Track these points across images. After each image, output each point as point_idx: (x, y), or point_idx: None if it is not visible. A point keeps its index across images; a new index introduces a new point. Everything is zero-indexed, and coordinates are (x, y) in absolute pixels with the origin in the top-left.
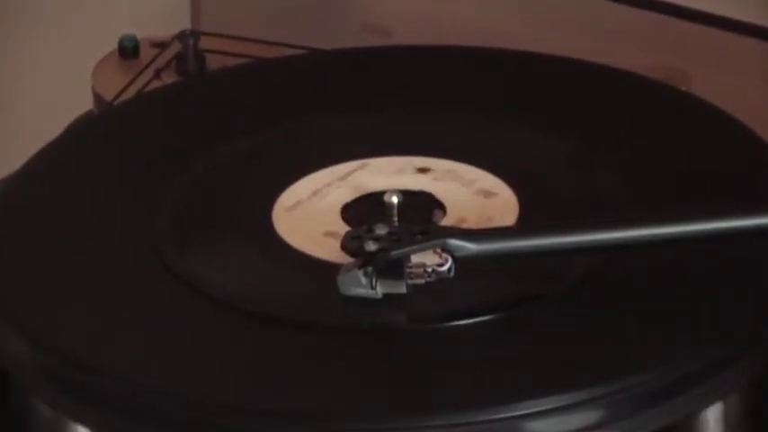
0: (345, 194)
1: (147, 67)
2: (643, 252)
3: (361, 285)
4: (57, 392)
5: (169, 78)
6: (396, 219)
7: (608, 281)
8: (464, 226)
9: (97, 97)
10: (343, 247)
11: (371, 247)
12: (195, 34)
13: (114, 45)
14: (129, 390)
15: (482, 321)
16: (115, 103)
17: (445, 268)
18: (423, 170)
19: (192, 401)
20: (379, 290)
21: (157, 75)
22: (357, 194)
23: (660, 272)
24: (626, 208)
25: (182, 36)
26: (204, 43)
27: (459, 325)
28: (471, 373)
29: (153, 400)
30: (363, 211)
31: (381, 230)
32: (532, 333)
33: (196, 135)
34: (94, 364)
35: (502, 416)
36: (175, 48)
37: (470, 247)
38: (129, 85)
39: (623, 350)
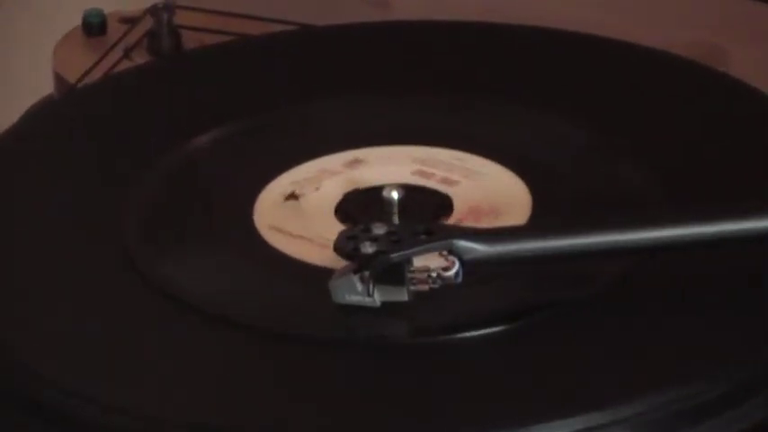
0: (339, 190)
1: (114, 45)
2: (677, 255)
3: (356, 292)
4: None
5: (140, 58)
6: (396, 217)
7: (637, 287)
8: (472, 225)
9: (59, 79)
10: (337, 248)
11: (368, 248)
12: (169, 8)
13: (78, 21)
14: (89, 408)
15: (493, 333)
16: (79, 85)
17: (452, 273)
18: (424, 167)
19: (160, 422)
20: (377, 297)
21: (127, 54)
22: (352, 189)
23: (696, 276)
24: (656, 204)
25: (154, 10)
26: (180, 18)
27: (467, 338)
28: (483, 393)
29: (114, 419)
30: (359, 208)
31: (379, 230)
32: (550, 347)
33: (170, 123)
34: (48, 378)
35: None
36: (147, 23)
37: (480, 248)
38: (94, 66)
39: (655, 365)
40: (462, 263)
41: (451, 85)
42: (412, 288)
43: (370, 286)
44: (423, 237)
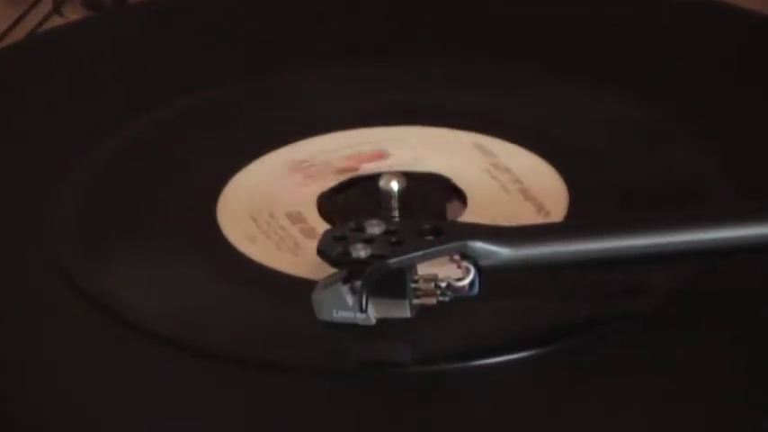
0: (322, 179)
1: None
2: (747, 259)
3: (346, 307)
4: None
5: (74, 14)
6: (396, 212)
7: (699, 301)
8: (491, 222)
9: None
10: (322, 252)
11: (361, 252)
12: None
13: None
14: None
15: (519, 360)
16: None
17: (466, 282)
18: (425, 145)
19: None
20: (373, 313)
21: (57, 9)
22: (339, 179)
23: None
24: (720, 196)
25: None
26: None
27: (488, 364)
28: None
29: None
30: (349, 201)
31: (375, 229)
32: (591, 374)
33: (111, 94)
34: None
35: None
36: None
37: (501, 252)
38: (17, 22)
39: (724, 395)
40: (479, 270)
41: (466, 51)
42: (416, 302)
43: (364, 300)
44: (429, 237)
